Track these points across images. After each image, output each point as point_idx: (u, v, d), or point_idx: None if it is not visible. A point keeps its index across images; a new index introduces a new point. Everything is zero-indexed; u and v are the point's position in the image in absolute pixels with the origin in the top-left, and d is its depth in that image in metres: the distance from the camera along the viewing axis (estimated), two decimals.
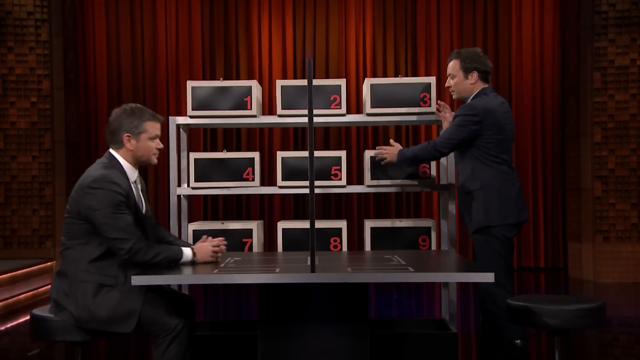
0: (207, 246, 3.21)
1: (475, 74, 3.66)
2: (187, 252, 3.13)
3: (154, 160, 3.22)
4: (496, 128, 3.57)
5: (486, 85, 3.69)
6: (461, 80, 3.68)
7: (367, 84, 4.06)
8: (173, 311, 3.03)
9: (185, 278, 3.11)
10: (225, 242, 3.29)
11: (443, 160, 4.09)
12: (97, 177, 2.98)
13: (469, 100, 3.68)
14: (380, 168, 4.02)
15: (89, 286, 2.97)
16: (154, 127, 3.15)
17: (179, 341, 2.98)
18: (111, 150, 3.14)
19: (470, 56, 3.67)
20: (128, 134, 3.10)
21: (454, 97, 3.76)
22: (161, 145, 3.22)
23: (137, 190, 3.17)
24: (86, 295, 2.96)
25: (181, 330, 2.99)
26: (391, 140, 3.90)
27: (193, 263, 3.13)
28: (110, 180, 2.98)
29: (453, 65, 3.71)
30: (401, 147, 3.79)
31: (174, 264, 3.09)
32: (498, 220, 3.55)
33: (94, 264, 2.99)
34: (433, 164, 4.03)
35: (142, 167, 3.25)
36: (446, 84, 3.77)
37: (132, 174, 3.14)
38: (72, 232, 3.03)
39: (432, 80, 4.04)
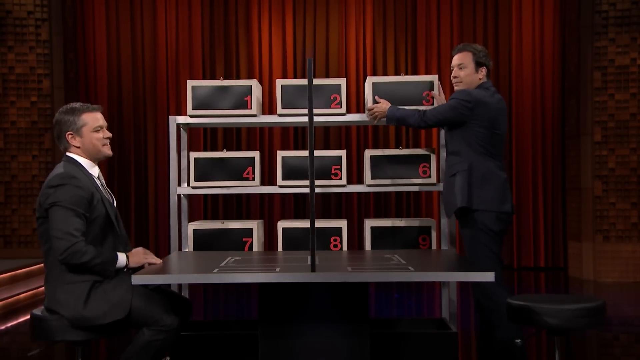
0: (139, 250, 3.14)
1: (484, 70, 3.73)
2: (121, 257, 3.04)
3: (107, 151, 3.18)
4: (488, 120, 3.61)
5: (487, 80, 3.75)
6: (472, 72, 3.72)
7: (369, 82, 4.05)
8: (171, 309, 3.03)
9: (185, 278, 3.11)
10: (159, 261, 3.17)
11: (443, 160, 4.08)
12: (58, 175, 2.99)
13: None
14: (380, 167, 4.01)
15: (79, 287, 2.94)
16: (93, 118, 3.11)
17: (166, 336, 2.97)
18: (67, 153, 3.14)
19: (483, 52, 3.75)
20: (70, 132, 3.09)
21: (458, 88, 3.75)
22: (109, 134, 3.18)
23: (102, 184, 3.17)
24: (78, 298, 2.93)
25: (174, 329, 2.99)
26: (376, 97, 3.93)
27: (127, 268, 3.05)
28: (72, 175, 2.98)
29: (465, 57, 3.72)
30: (390, 105, 3.83)
31: (110, 270, 2.98)
32: (477, 203, 3.57)
33: None
34: (433, 163, 4.03)
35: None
36: (453, 74, 3.76)
37: (93, 170, 3.14)
38: (47, 235, 3.00)
39: (434, 78, 4.02)
